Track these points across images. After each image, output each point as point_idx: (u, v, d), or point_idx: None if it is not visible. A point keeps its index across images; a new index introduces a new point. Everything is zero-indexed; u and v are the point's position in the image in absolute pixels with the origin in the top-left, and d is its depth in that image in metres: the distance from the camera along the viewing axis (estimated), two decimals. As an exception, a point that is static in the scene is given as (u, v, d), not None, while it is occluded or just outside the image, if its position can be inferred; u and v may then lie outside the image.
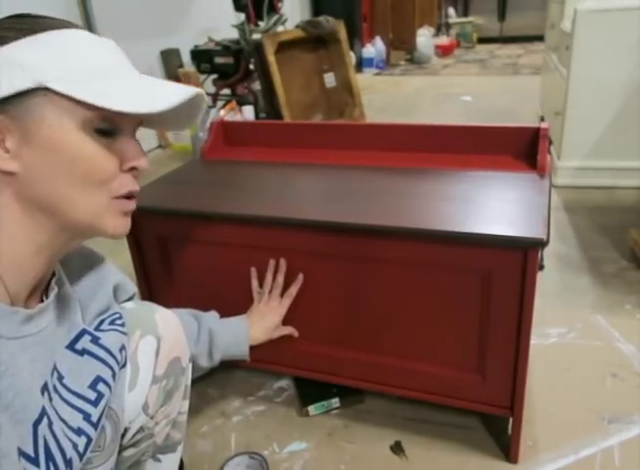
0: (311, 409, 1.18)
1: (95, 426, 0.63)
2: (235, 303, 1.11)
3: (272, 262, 1.07)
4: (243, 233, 1.05)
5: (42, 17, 0.56)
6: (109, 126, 0.56)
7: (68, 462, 0.58)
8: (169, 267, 1.17)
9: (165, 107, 0.55)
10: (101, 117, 0.55)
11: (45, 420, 0.56)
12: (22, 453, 0.53)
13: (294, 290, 1.07)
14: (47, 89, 0.52)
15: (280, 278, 1.07)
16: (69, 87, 0.52)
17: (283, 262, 1.07)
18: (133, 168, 0.59)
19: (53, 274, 0.63)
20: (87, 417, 0.62)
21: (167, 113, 0.57)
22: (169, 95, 0.56)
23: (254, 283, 1.10)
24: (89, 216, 0.57)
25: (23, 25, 0.54)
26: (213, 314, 1.06)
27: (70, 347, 0.64)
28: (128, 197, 0.60)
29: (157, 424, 0.79)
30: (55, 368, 0.60)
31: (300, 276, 1.06)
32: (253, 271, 1.10)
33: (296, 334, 1.11)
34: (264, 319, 1.08)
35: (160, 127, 0.69)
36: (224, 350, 1.02)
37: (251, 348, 1.07)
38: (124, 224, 0.61)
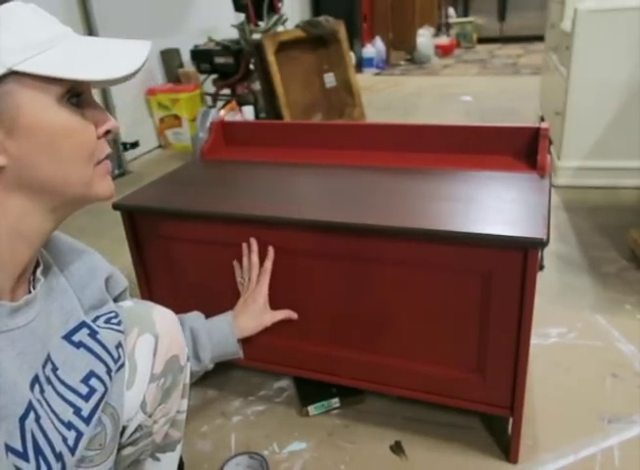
0: (311, 409, 1.18)
1: (86, 421, 0.62)
2: (235, 302, 1.10)
3: (244, 246, 1.05)
4: (242, 233, 1.05)
5: None
6: (77, 96, 0.56)
7: (59, 456, 0.58)
8: (169, 267, 1.17)
9: (131, 69, 0.56)
10: (71, 89, 0.55)
11: (32, 415, 0.55)
12: (9, 449, 0.52)
13: (268, 264, 1.05)
14: (16, 73, 0.51)
15: (254, 258, 1.05)
16: (35, 66, 0.51)
17: (253, 242, 1.04)
18: (108, 132, 0.60)
19: (37, 265, 0.63)
20: (77, 411, 0.61)
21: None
22: (129, 56, 0.57)
23: (238, 274, 1.09)
24: (82, 188, 0.58)
25: None
26: (196, 314, 1.02)
27: (67, 337, 0.63)
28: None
29: (155, 423, 0.79)
30: (49, 359, 0.60)
31: (271, 249, 1.04)
32: (236, 264, 1.08)
33: (294, 316, 1.08)
34: (247, 305, 1.05)
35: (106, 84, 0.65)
36: (211, 348, 0.98)
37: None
38: (111, 184, 0.62)
